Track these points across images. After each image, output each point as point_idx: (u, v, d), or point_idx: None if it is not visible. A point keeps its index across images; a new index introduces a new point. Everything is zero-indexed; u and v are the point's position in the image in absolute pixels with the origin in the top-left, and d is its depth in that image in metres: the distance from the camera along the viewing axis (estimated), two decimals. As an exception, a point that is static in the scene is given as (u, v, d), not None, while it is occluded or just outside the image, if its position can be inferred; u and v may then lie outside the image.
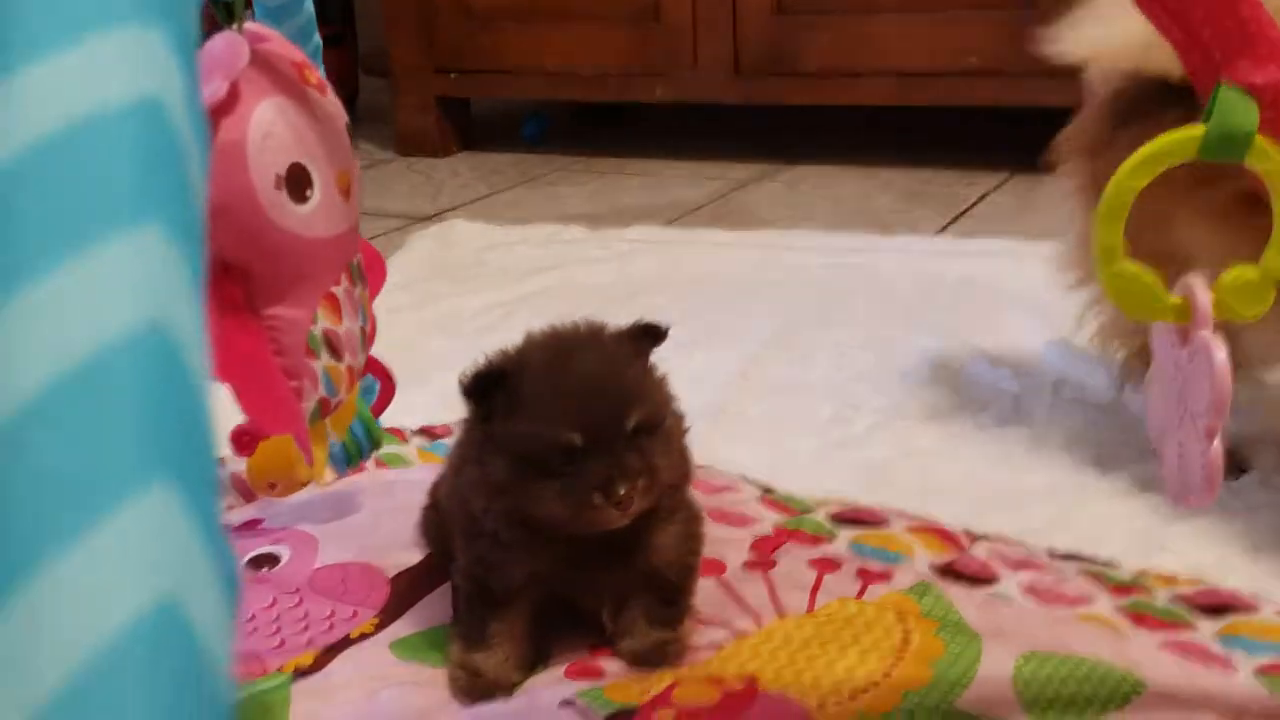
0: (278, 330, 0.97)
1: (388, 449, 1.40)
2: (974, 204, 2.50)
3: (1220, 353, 0.74)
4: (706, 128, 3.49)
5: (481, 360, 0.92)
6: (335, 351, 1.02)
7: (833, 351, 1.69)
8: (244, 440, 1.17)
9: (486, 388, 0.91)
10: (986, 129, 3.19)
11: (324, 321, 1.00)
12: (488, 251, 2.21)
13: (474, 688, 0.96)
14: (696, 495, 1.19)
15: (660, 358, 0.97)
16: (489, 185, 2.97)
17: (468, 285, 2.05)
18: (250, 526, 1.22)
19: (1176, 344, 0.79)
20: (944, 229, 2.33)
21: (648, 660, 0.98)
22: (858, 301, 1.89)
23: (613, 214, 2.51)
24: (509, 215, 2.52)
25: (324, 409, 1.00)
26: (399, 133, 3.38)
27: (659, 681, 0.94)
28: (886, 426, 1.44)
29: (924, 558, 1.11)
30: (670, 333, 0.96)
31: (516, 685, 0.97)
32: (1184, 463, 0.78)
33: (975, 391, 1.53)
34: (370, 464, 1.37)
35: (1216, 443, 0.75)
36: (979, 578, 1.07)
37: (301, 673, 0.97)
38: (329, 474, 1.22)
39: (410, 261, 2.17)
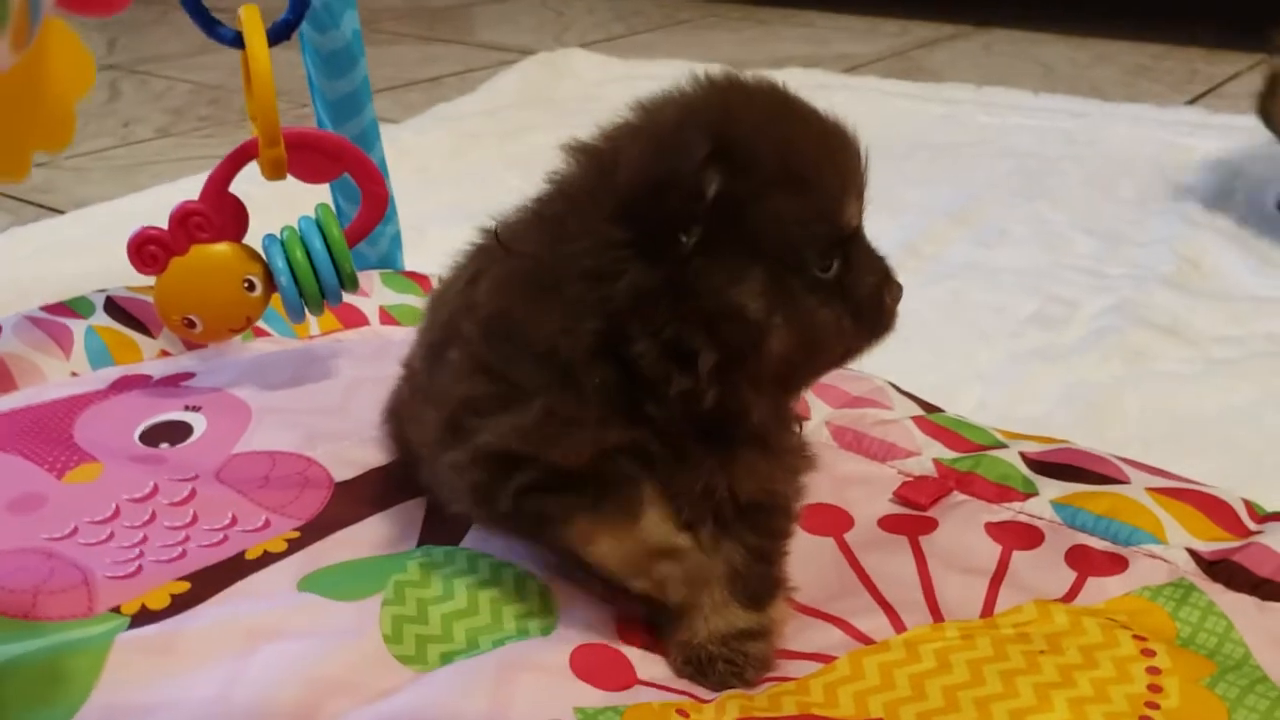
0: None
1: (402, 299, 1.01)
2: (1222, 82, 1.97)
3: None
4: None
5: (668, 133, 0.53)
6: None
7: (1036, 231, 1.23)
8: (148, 252, 0.80)
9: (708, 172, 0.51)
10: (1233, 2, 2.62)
11: None
12: (605, 85, 1.79)
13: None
14: (818, 404, 0.79)
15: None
16: (627, 26, 2.54)
17: (570, 120, 1.63)
18: (171, 382, 0.85)
19: None
20: (1191, 104, 1.82)
21: (709, 665, 0.58)
22: (1072, 173, 1.42)
23: (768, 63, 2.06)
24: (642, 56, 2.09)
25: None
26: (535, -34, 2.97)
27: (720, 714, 0.55)
28: (1115, 335, 0.99)
29: (1182, 541, 0.67)
30: None
31: None
32: None
33: (1244, 302, 1.06)
34: (374, 318, 0.99)
35: None
36: (1277, 582, 0.63)
37: (146, 616, 0.60)
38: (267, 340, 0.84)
39: (504, 89, 1.77)
